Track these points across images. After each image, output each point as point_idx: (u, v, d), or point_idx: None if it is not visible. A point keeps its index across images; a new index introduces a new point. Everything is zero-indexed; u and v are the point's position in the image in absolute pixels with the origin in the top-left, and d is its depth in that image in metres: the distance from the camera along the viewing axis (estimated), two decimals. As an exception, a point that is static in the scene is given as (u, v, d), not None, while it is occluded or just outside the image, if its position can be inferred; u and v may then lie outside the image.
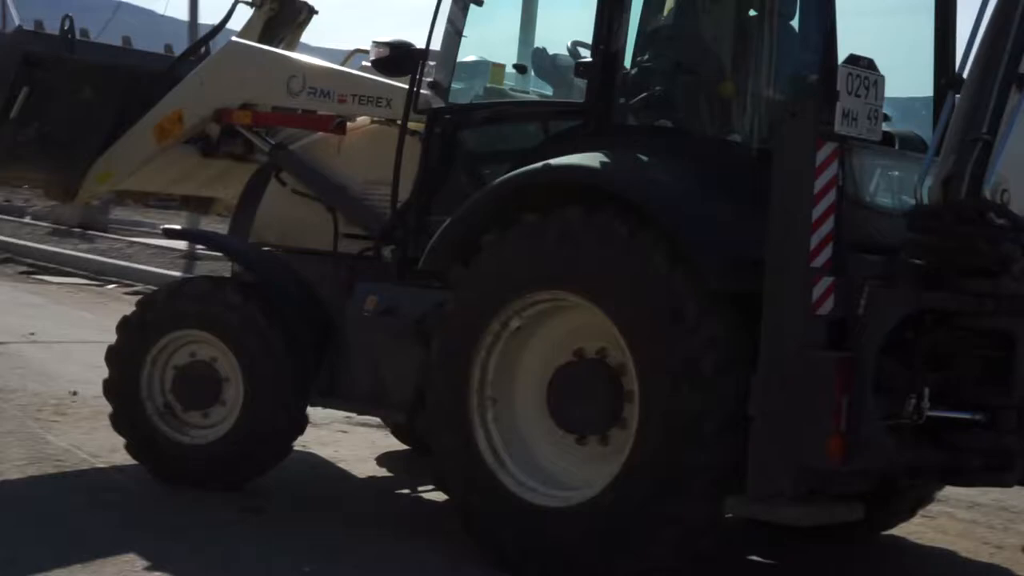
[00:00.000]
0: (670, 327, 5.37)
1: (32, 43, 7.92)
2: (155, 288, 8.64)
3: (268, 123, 7.81)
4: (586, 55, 6.53)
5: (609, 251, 5.55)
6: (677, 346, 5.35)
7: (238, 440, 6.92)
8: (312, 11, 8.72)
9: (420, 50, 6.69)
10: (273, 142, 7.68)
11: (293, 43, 8.60)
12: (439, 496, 7.08)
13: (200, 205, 9.50)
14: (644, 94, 6.17)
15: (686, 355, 5.33)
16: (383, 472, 8.08)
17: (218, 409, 7.04)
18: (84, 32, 8.47)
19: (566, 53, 6.94)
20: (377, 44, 6.78)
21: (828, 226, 5.17)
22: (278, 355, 6.88)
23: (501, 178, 6.07)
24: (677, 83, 6.22)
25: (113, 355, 7.24)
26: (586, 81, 6.22)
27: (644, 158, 5.84)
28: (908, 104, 6.63)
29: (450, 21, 6.66)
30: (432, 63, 6.73)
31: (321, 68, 7.56)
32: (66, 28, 8.08)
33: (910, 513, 7.00)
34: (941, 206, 5.33)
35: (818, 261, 5.14)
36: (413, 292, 6.61)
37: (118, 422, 7.26)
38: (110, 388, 7.26)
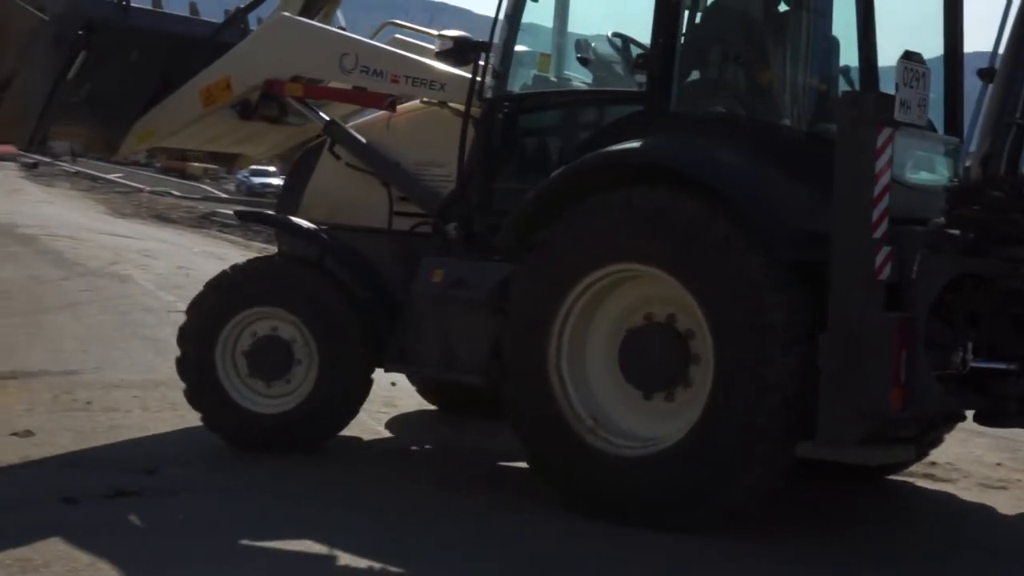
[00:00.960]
0: (744, 294, 6.01)
1: (92, 9, 8.20)
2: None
3: (319, 96, 8.20)
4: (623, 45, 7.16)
5: (686, 228, 6.14)
6: (751, 311, 5.98)
7: (311, 407, 7.45)
8: None
9: (482, 42, 7.22)
10: (328, 118, 8.10)
11: (330, 15, 8.86)
12: (452, 453, 7.86)
13: (226, 160, 10.00)
14: (700, 84, 6.79)
15: (759, 318, 5.96)
16: (391, 433, 8.64)
17: (292, 378, 7.53)
18: None
19: (605, 43, 7.55)
20: (442, 37, 7.31)
21: (886, 202, 5.85)
22: (350, 328, 7.39)
23: (577, 160, 6.64)
24: (730, 72, 6.86)
25: (186, 335, 7.67)
26: (638, 71, 6.83)
27: (708, 142, 6.46)
28: None
29: (508, 15, 7.23)
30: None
31: (375, 48, 7.96)
32: None
33: (921, 456, 7.78)
34: (980, 183, 6.07)
35: (878, 232, 5.83)
36: (477, 265, 7.16)
37: (193, 398, 7.70)
38: (184, 367, 7.69)
